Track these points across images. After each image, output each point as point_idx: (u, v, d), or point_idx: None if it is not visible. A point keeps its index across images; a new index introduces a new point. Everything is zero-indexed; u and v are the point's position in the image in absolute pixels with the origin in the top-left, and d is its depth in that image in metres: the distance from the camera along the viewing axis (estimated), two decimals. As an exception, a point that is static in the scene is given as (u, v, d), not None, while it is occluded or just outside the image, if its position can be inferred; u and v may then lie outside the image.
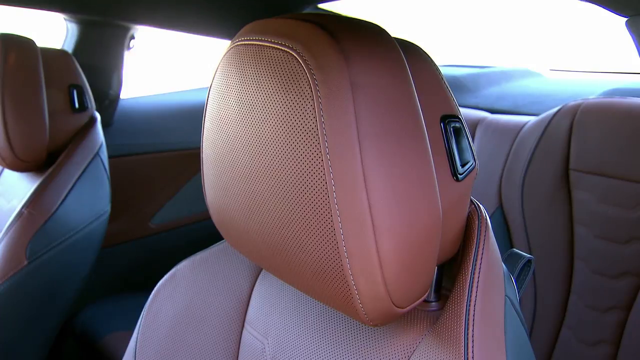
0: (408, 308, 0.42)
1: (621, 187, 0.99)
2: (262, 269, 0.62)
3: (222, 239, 1.65)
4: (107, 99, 1.45)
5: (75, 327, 1.40)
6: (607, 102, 1.03)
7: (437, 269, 0.49)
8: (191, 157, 1.56)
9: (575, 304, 1.05)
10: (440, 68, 1.65)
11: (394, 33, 0.43)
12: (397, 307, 0.41)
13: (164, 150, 1.53)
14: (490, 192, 1.17)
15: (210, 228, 1.62)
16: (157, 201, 1.54)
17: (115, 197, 1.28)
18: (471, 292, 0.45)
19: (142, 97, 1.60)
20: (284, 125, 0.38)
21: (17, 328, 1.05)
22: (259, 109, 0.40)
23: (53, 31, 1.44)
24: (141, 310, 1.47)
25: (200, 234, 1.61)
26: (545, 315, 1.08)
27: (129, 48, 1.48)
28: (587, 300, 1.03)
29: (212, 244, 1.62)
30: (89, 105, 1.18)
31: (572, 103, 1.08)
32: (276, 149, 0.40)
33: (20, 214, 1.03)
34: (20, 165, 1.10)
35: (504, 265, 0.49)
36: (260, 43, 0.41)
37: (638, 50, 1.04)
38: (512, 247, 1.13)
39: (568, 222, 1.06)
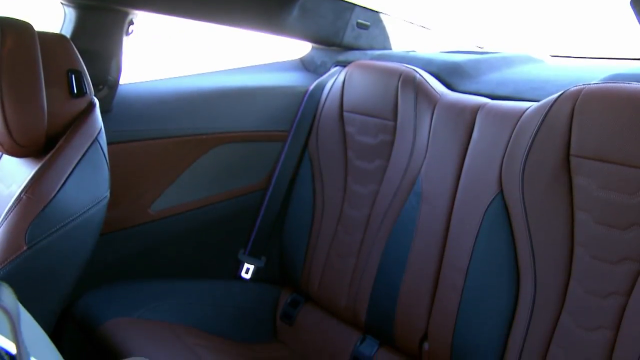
0: None
1: (622, 172, 0.98)
2: None
3: (222, 225, 1.65)
4: (106, 85, 1.44)
5: (75, 313, 1.40)
6: (609, 87, 1.02)
7: None
8: (191, 144, 1.55)
9: (575, 289, 1.05)
10: (442, 54, 1.64)
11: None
12: None
13: (164, 137, 1.52)
14: (490, 179, 1.17)
15: (210, 214, 1.62)
16: (156, 188, 1.54)
17: (114, 184, 1.27)
18: None
19: (142, 83, 1.59)
20: None
21: None
22: None
23: (50, 16, 1.43)
24: (141, 297, 1.47)
25: (201, 220, 1.61)
26: (544, 300, 1.08)
27: (127, 33, 1.47)
28: (587, 286, 1.03)
29: (213, 231, 1.62)
30: (88, 91, 1.17)
31: (573, 88, 1.07)
32: None
33: (19, 199, 1.02)
34: (18, 150, 1.09)
35: None
36: None
37: (641, 32, 1.03)
38: (512, 232, 1.13)
39: (568, 208, 1.06)
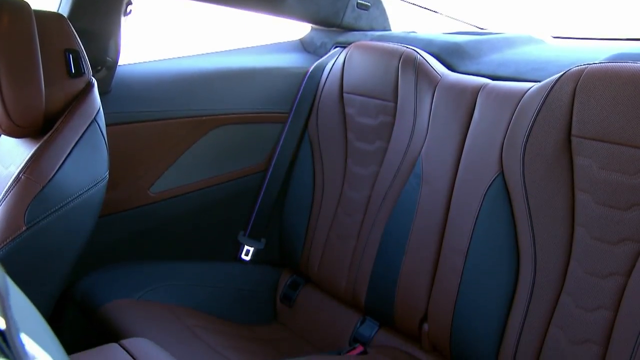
0: None
1: (623, 152, 0.98)
2: None
3: (222, 207, 1.64)
4: (105, 66, 1.43)
5: (75, 295, 1.40)
6: (612, 67, 1.01)
7: None
8: (191, 125, 1.54)
9: (575, 270, 1.05)
10: (442, 35, 1.63)
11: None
12: None
13: (163, 118, 1.51)
14: (491, 159, 1.16)
15: (210, 196, 1.62)
16: (156, 169, 1.53)
17: (113, 166, 1.27)
18: None
19: (141, 64, 1.58)
20: None
21: None
22: None
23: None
24: (142, 278, 1.47)
25: (200, 202, 1.61)
26: (544, 281, 1.08)
27: (126, 14, 1.45)
28: (587, 267, 1.03)
29: (213, 213, 1.62)
30: (86, 71, 1.16)
31: (575, 68, 1.06)
32: None
33: (17, 179, 1.02)
34: (16, 131, 1.08)
35: None
36: None
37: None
38: (513, 213, 1.12)
39: (569, 188, 1.05)
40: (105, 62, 1.42)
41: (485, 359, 1.14)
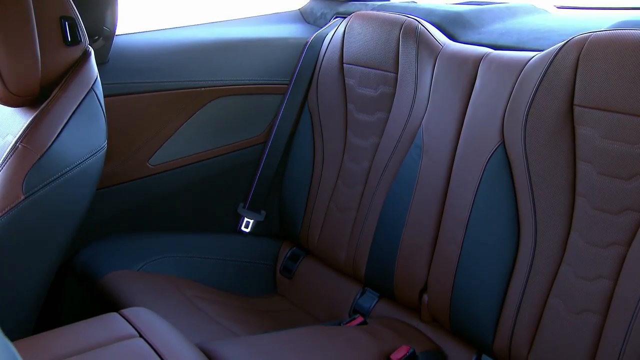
0: None
1: (626, 121, 0.97)
2: None
3: (222, 179, 1.64)
4: (102, 36, 1.41)
5: (75, 267, 1.41)
6: (617, 34, 0.99)
7: None
8: (190, 96, 1.53)
9: (575, 240, 1.05)
10: (444, 5, 1.61)
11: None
12: None
13: (162, 90, 1.50)
14: (492, 130, 1.15)
15: (210, 168, 1.61)
16: (155, 141, 1.52)
17: (112, 138, 1.26)
18: None
19: (139, 34, 1.56)
20: None
21: (16, 264, 1.05)
22: None
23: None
24: (142, 250, 1.47)
25: (200, 174, 1.60)
26: (545, 252, 1.07)
27: (122, -18, 1.43)
28: (587, 237, 1.03)
29: (212, 185, 1.61)
30: (82, 39, 1.14)
31: (579, 36, 1.05)
32: None
33: (14, 147, 1.01)
34: (13, 99, 1.07)
35: None
36: None
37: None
38: (513, 184, 1.12)
39: (571, 158, 1.05)
40: (102, 32, 1.40)
41: (484, 329, 1.15)
